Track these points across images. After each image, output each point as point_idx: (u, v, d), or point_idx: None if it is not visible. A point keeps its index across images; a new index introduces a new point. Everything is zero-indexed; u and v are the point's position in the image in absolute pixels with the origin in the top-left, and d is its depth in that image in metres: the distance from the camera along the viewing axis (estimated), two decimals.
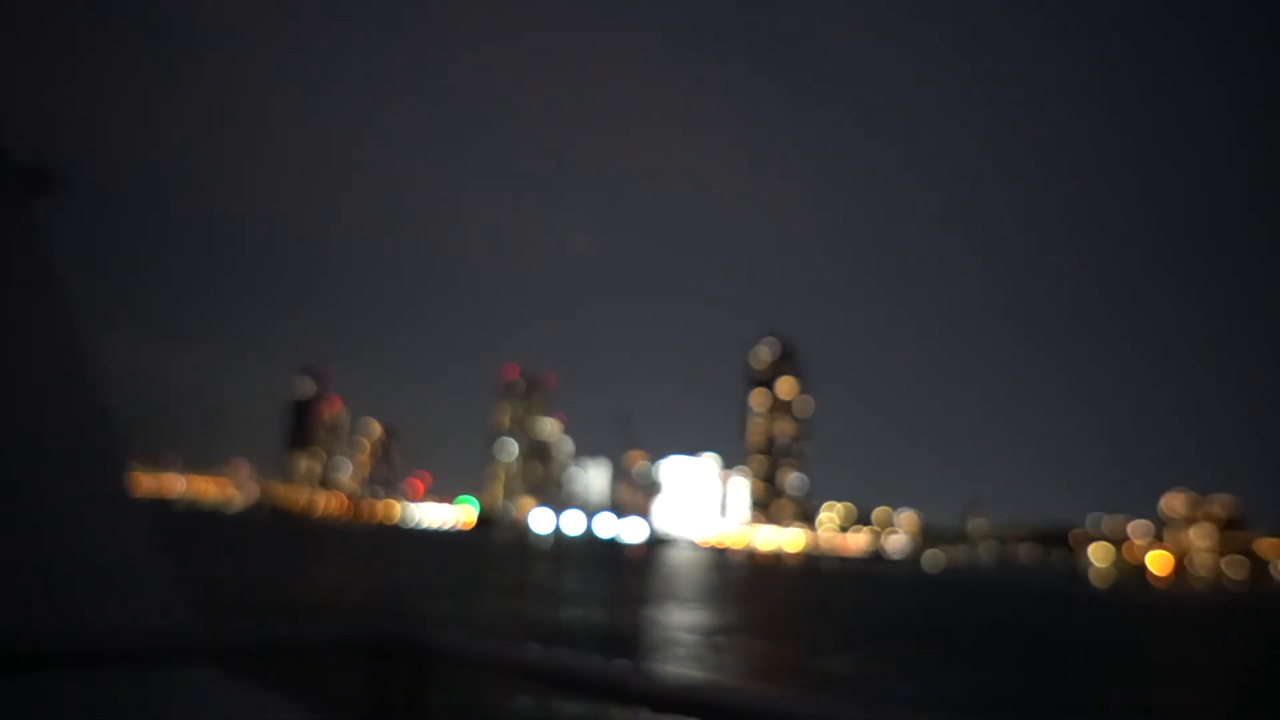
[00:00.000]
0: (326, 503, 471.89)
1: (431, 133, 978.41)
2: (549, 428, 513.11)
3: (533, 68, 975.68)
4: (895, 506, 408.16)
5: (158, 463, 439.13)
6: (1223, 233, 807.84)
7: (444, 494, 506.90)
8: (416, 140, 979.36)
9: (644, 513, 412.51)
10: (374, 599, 45.70)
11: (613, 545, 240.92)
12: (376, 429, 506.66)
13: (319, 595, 45.18)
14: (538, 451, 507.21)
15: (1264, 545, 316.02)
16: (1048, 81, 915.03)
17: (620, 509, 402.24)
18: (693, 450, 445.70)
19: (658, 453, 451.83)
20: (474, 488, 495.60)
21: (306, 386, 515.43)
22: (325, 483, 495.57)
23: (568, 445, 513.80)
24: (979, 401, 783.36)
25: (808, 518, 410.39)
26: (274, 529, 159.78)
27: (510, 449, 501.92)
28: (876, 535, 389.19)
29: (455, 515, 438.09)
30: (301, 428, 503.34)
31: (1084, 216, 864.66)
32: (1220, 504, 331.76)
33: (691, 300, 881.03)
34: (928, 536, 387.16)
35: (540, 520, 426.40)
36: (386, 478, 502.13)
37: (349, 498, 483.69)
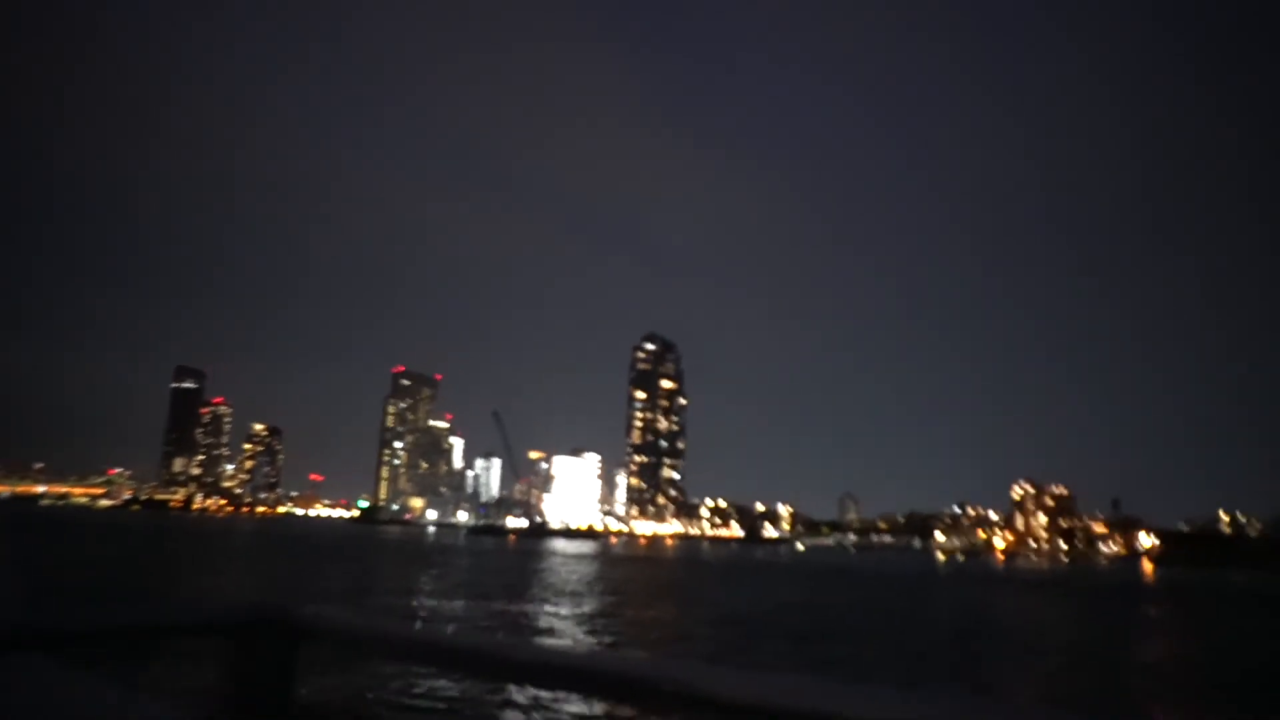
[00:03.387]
0: (205, 502, 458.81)
1: (322, 128, 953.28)
2: (437, 425, 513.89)
3: (430, 59, 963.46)
4: (774, 500, 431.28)
5: (20, 471, 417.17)
6: (1055, 244, 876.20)
7: (334, 493, 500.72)
8: (306, 134, 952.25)
9: (533, 507, 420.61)
10: (239, 587, 44.42)
11: (500, 536, 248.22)
12: (261, 429, 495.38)
13: (177, 585, 43.89)
14: (426, 449, 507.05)
15: (1090, 527, 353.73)
16: (912, 78, 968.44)
17: (510, 504, 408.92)
18: (577, 446, 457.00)
19: (545, 449, 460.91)
20: (364, 486, 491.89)
21: (185, 387, 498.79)
22: (207, 484, 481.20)
23: (458, 443, 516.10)
24: (851, 401, 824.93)
25: (688, 511, 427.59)
26: (143, 526, 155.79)
27: (398, 447, 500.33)
28: (754, 526, 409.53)
29: (343, 512, 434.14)
30: (180, 428, 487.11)
31: (940, 223, 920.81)
32: (1055, 492, 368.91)
33: (579, 301, 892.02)
34: (805, 526, 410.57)
35: (428, 515, 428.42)
36: (271, 478, 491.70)
37: (231, 497, 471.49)
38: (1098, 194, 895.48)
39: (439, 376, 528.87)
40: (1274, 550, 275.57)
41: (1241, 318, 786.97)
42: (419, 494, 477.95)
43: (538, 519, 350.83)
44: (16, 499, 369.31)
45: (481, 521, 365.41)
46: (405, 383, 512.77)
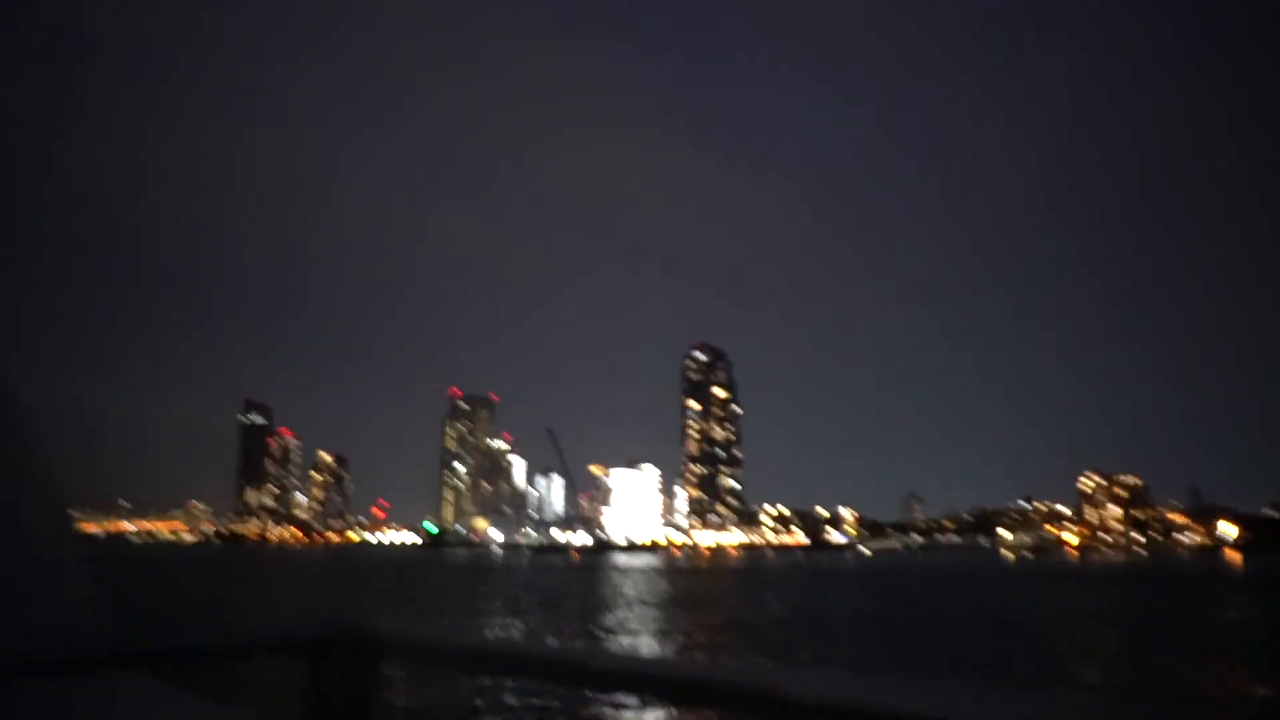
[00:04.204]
0: (281, 533, 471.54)
1: (369, 164, 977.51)
2: (496, 446, 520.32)
3: (465, 86, 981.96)
4: (836, 504, 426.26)
5: (106, 508, 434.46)
6: (1120, 229, 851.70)
7: (400, 518, 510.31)
8: (354, 171, 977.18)
9: (595, 522, 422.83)
10: (319, 608, 48.26)
11: (563, 554, 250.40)
12: (328, 459, 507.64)
13: (263, 610, 45.48)
14: (487, 470, 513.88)
15: (1167, 517, 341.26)
16: (940, 90, 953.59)
17: (574, 520, 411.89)
18: (634, 459, 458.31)
19: (604, 463, 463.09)
20: (429, 510, 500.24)
21: (254, 421, 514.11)
22: (279, 514, 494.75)
23: (518, 462, 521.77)
24: (909, 398, 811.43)
25: (749, 519, 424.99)
26: (225, 559, 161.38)
27: (460, 469, 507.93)
28: (817, 531, 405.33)
29: (412, 537, 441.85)
30: (251, 461, 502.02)
31: (992, 220, 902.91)
32: (1126, 482, 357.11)
33: (624, 314, 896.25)
34: (869, 529, 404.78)
35: (494, 535, 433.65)
36: (340, 506, 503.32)
37: (304, 527, 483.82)
38: (1155, 176, 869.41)
39: (495, 397, 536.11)
40: None
41: None
42: (482, 515, 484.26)
43: (600, 534, 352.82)
44: (110, 537, 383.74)
45: (545, 540, 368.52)
46: (463, 405, 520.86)
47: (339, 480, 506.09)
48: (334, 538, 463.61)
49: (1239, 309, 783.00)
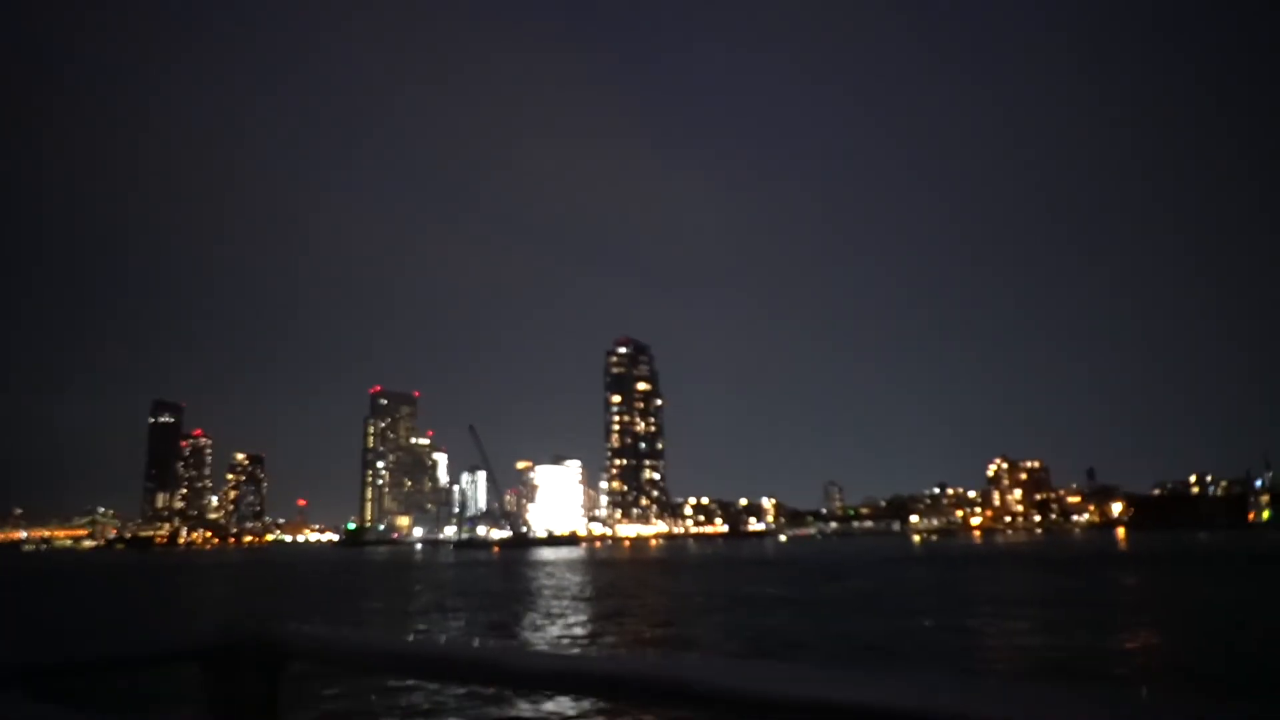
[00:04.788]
0: (194, 536, 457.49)
1: (292, 157, 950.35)
2: (419, 443, 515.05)
3: (397, 84, 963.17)
4: (759, 494, 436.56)
5: None
6: (1021, 223, 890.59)
7: (321, 517, 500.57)
8: (277, 162, 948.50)
9: (520, 517, 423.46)
10: (224, 613, 43.79)
11: (485, 548, 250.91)
12: (243, 459, 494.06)
13: (158, 617, 43.67)
14: (409, 467, 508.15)
15: (1065, 499, 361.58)
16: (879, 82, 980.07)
17: (497, 516, 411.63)
18: (559, 454, 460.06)
19: (531, 459, 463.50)
20: (351, 509, 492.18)
21: (163, 421, 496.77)
22: (191, 517, 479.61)
23: (442, 459, 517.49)
24: (832, 389, 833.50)
25: (672, 510, 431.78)
26: (128, 565, 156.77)
27: (381, 467, 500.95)
28: (737, 520, 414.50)
29: (332, 537, 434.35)
30: (161, 464, 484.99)
31: (902, 216, 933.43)
32: (1030, 467, 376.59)
33: (552, 308, 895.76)
34: (788, 517, 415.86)
35: (417, 532, 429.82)
36: (257, 507, 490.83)
37: (217, 529, 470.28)
38: (1065, 172, 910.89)
39: (417, 394, 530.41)
40: (1237, 509, 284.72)
41: (1211, 284, 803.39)
42: (405, 512, 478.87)
43: (522, 529, 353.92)
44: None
45: (466, 535, 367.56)
46: (383, 402, 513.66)
47: (255, 481, 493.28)
48: (250, 539, 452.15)
49: (1137, 302, 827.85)
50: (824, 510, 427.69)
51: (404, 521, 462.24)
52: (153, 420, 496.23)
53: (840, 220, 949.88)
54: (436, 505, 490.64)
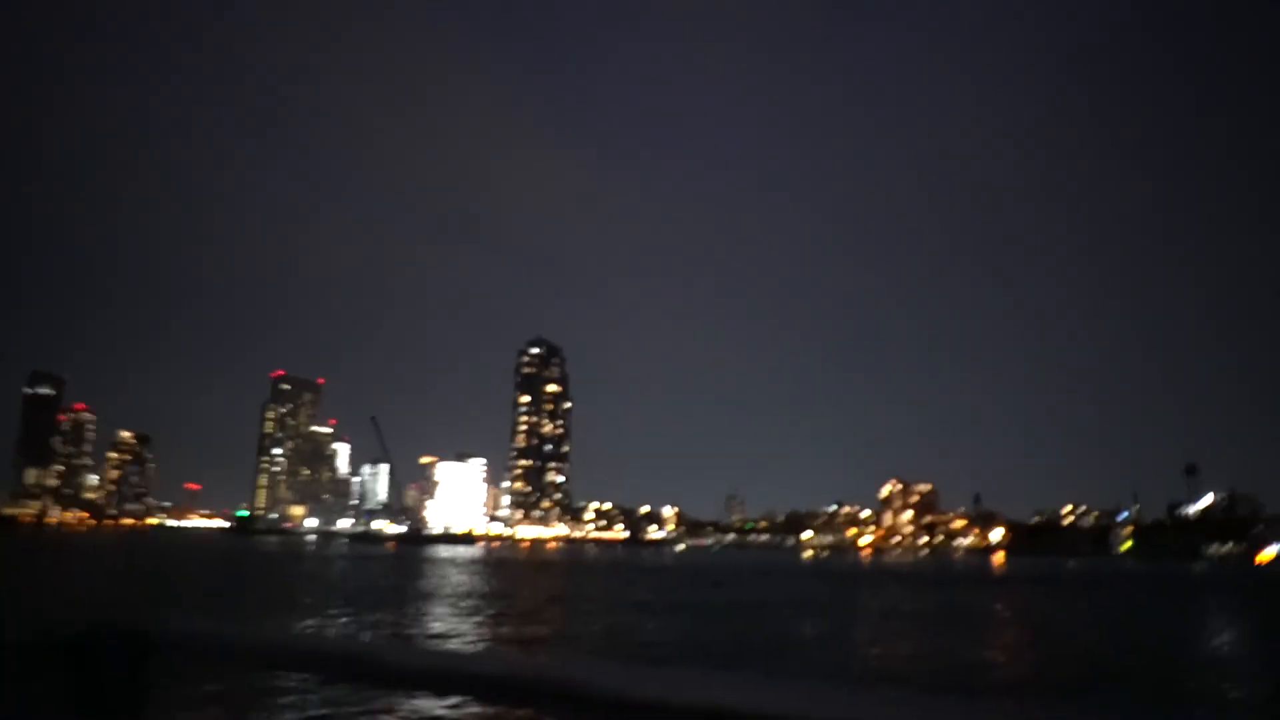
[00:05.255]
0: (65, 516, 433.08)
1: (198, 132, 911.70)
2: (320, 431, 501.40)
3: (313, 71, 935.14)
4: (662, 503, 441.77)
5: None
6: (929, 254, 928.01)
7: (214, 503, 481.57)
8: (182, 139, 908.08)
9: (418, 513, 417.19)
10: (89, 601, 42.05)
11: (379, 543, 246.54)
12: (128, 437, 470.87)
13: (14, 603, 40.05)
14: (308, 455, 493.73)
15: (951, 523, 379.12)
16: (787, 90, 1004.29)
17: (396, 510, 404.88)
18: (463, 451, 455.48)
19: (437, 455, 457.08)
20: (245, 496, 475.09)
21: (40, 393, 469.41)
22: (64, 495, 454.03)
23: (343, 449, 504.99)
24: (740, 402, 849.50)
25: (573, 514, 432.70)
26: None
27: (278, 454, 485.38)
28: (637, 528, 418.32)
29: (221, 522, 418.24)
30: (34, 437, 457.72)
31: (812, 236, 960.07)
32: (920, 490, 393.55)
33: (468, 306, 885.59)
34: (688, 527, 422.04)
35: (310, 523, 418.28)
36: (140, 488, 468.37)
37: (94, 510, 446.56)
38: (959, 199, 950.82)
39: (321, 381, 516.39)
40: (1101, 539, 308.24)
41: (1095, 323, 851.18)
42: (300, 502, 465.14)
43: (420, 525, 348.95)
44: None
45: (361, 529, 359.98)
46: (285, 387, 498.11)
47: (140, 461, 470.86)
48: (130, 522, 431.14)
49: (1030, 332, 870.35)
50: (724, 522, 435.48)
51: (298, 511, 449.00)
52: (29, 391, 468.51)
53: (750, 237, 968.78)
54: (334, 496, 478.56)
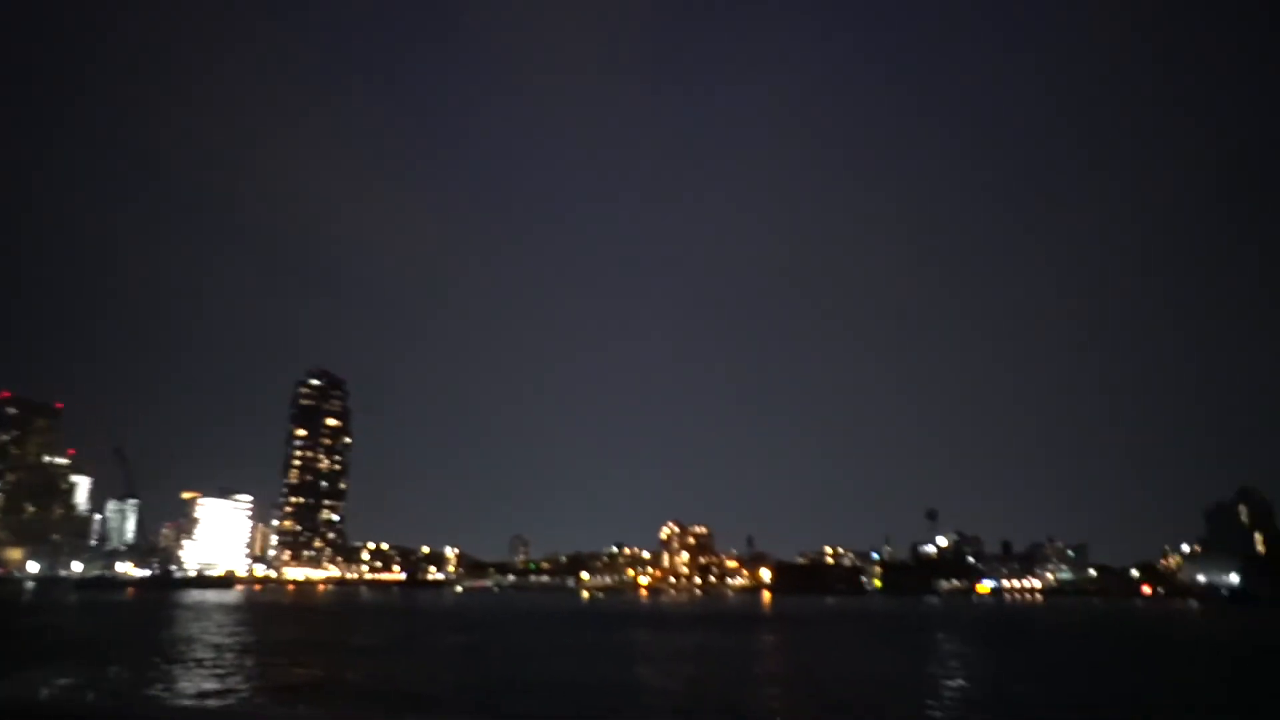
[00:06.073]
0: None
1: None
2: (54, 462, 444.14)
3: (109, 60, 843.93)
4: (445, 543, 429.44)
5: None
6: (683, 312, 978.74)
7: None
8: None
9: (172, 553, 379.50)
10: None
11: (117, 589, 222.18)
12: None
13: None
14: (36, 490, 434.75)
15: (725, 563, 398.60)
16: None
17: (144, 551, 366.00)
18: (227, 487, 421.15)
19: (201, 490, 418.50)
20: None
21: None
22: None
23: (83, 482, 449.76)
24: (525, 443, 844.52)
25: (348, 554, 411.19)
26: None
27: None
28: (416, 567, 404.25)
29: None
30: None
31: (594, 288, 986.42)
32: (697, 532, 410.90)
33: (249, 333, 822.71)
34: (470, 568, 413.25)
35: (31, 567, 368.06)
36: None
37: None
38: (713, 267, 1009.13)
39: (60, 405, 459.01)
40: (855, 578, 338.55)
41: (860, 392, 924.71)
42: (20, 543, 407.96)
43: (170, 567, 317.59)
44: None
45: (96, 573, 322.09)
46: (12, 411, 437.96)
47: None
48: None
49: (801, 379, 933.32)
50: (508, 563, 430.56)
51: (15, 554, 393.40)
52: None
53: (545, 280, 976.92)
54: (67, 536, 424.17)
